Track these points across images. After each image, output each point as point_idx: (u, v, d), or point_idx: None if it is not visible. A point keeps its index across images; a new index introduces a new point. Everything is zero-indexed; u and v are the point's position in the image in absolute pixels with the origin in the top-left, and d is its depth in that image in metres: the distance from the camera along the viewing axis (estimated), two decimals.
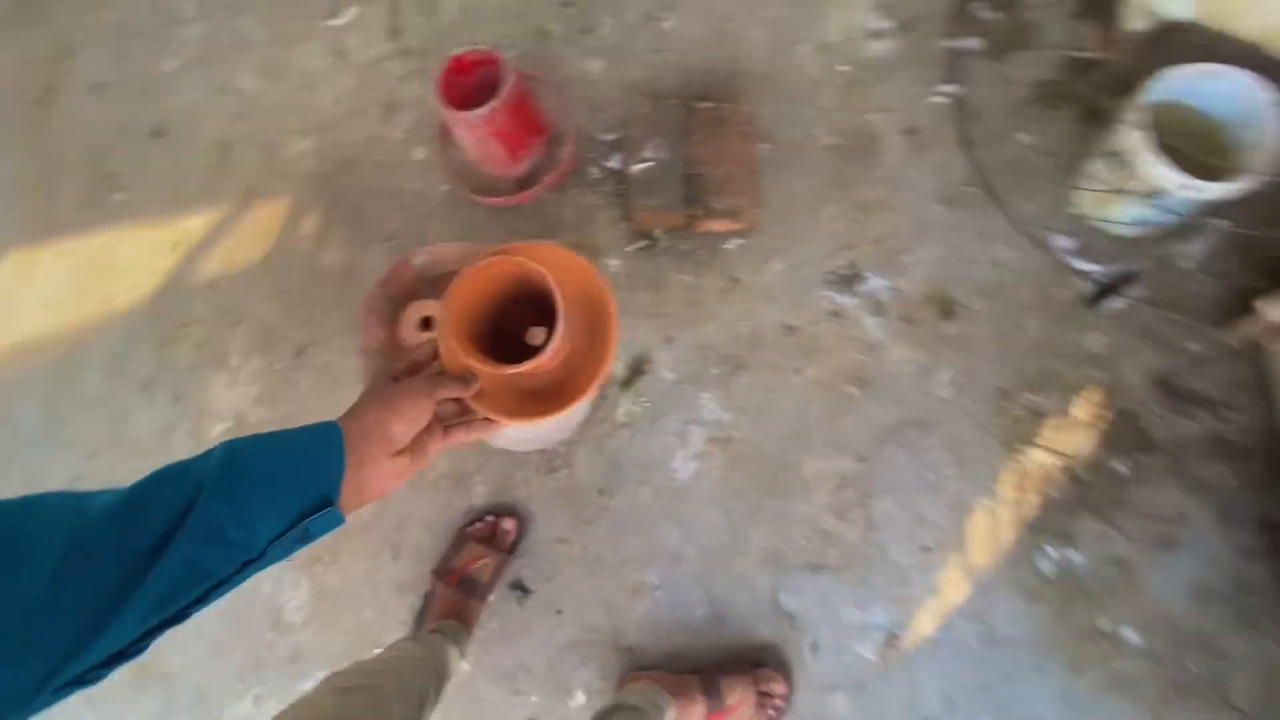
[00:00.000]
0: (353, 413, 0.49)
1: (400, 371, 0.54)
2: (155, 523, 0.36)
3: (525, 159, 1.18)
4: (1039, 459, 1.01)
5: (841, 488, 1.05)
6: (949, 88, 1.15)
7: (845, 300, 1.11)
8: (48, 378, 1.40)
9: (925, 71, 1.17)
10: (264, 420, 1.26)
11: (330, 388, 1.24)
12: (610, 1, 1.32)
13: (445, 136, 1.23)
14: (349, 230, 1.31)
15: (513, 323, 0.57)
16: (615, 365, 1.15)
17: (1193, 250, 1.03)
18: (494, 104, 1.00)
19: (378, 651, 0.85)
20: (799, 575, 1.03)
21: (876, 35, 1.20)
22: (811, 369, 1.09)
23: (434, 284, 0.90)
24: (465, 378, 0.53)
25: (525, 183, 1.20)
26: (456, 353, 0.53)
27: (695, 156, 1.14)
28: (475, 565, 1.03)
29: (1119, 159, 0.95)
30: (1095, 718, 0.93)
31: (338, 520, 0.43)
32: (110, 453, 1.34)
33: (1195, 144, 0.92)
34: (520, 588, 1.11)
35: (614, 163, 1.22)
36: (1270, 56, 0.96)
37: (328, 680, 0.71)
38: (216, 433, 1.28)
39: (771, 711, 0.95)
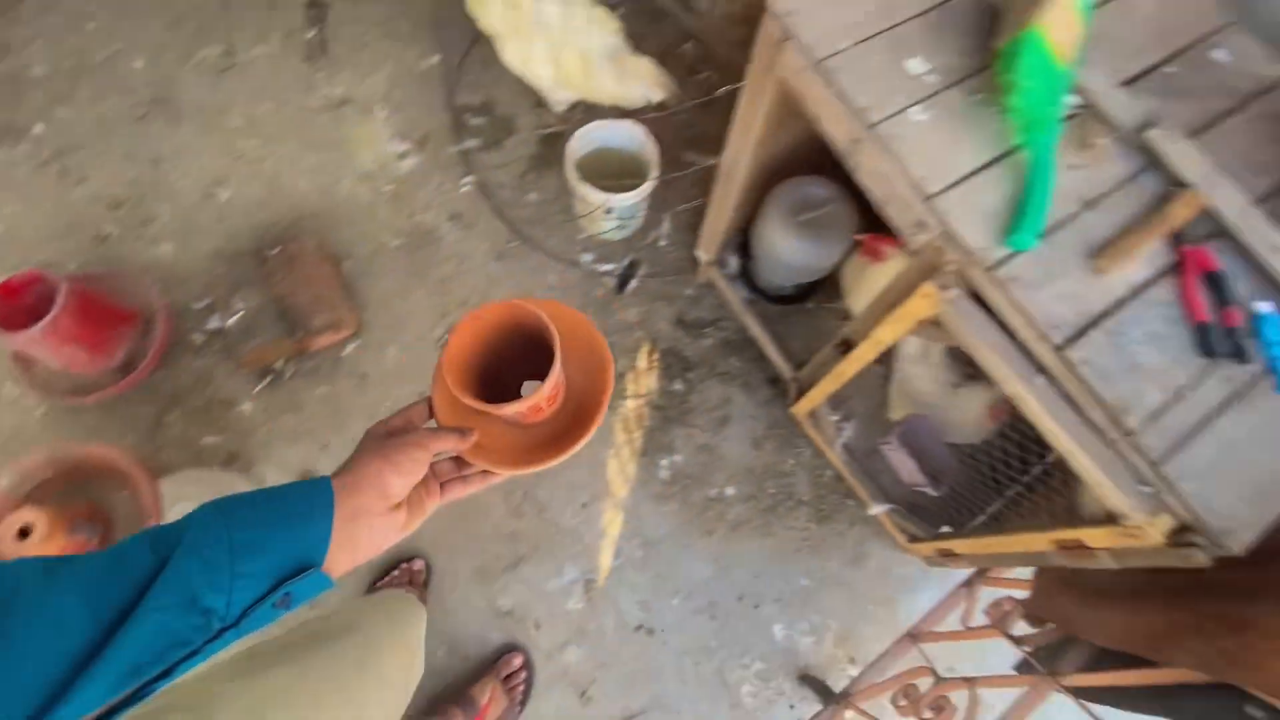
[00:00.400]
0: (347, 466, 0.45)
1: (393, 427, 0.50)
2: (126, 585, 0.34)
3: (115, 350, 1.24)
4: (631, 406, 1.36)
5: (509, 493, 1.28)
6: (470, 178, 1.51)
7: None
8: None
9: (450, 172, 1.51)
10: None
11: None
12: (162, 192, 1.45)
13: (21, 359, 1.23)
14: None
15: (505, 377, 0.53)
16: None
17: (661, 232, 1.50)
18: (49, 318, 1.07)
19: None
20: (504, 577, 1.23)
21: (402, 156, 1.52)
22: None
23: (29, 498, 0.94)
24: (462, 430, 0.50)
25: (127, 368, 1.26)
26: (451, 403, 0.51)
27: (282, 292, 1.32)
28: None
29: (575, 193, 1.36)
30: (735, 558, 1.28)
31: (324, 584, 0.40)
32: None
33: (626, 169, 1.37)
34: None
35: (213, 324, 1.34)
36: (630, 109, 1.46)
37: None
38: None
39: (519, 686, 1.13)
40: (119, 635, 0.32)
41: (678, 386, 1.38)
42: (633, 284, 1.45)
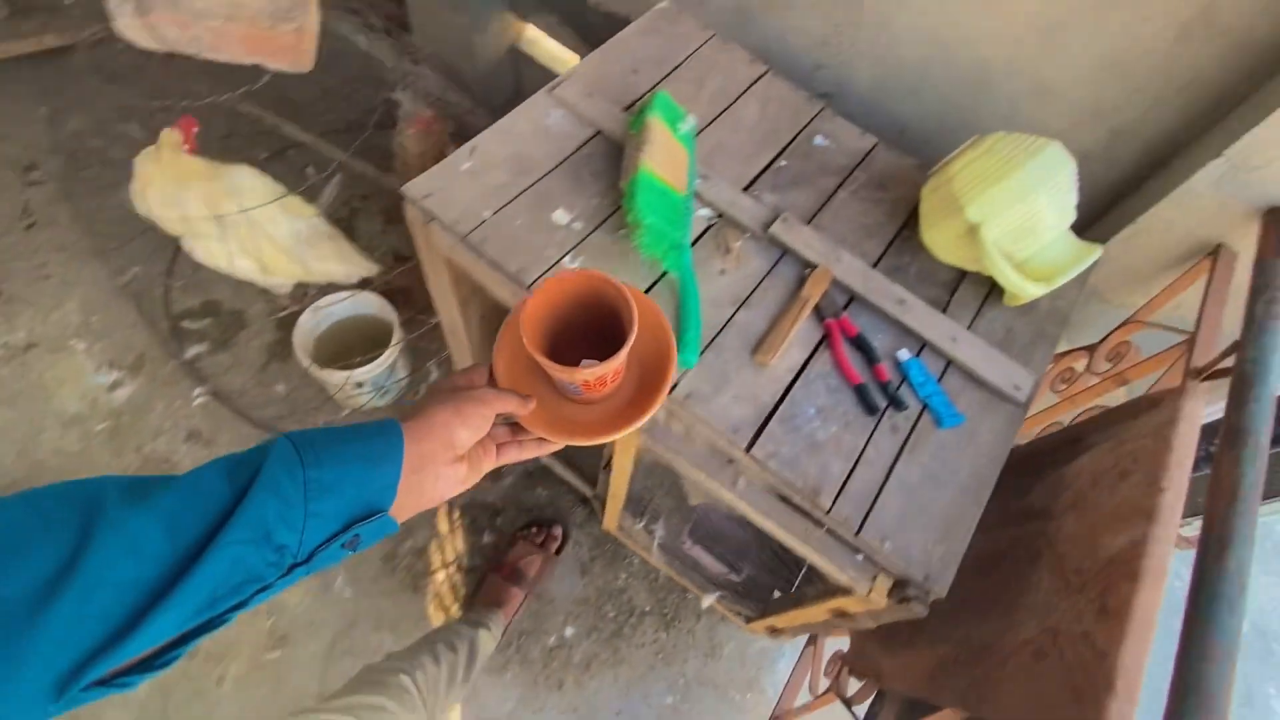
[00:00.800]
0: (417, 411, 0.45)
1: (458, 384, 0.49)
2: (204, 516, 0.33)
3: None
4: (440, 579, 1.26)
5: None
6: (201, 389, 1.36)
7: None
8: None
9: (176, 388, 1.36)
10: None
11: None
12: None
13: None
14: None
15: (563, 352, 0.50)
16: None
17: (432, 380, 1.45)
18: None
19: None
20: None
21: (114, 386, 1.34)
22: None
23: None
24: (524, 395, 0.50)
25: None
26: (511, 368, 0.51)
27: None
28: (523, 560, 1.24)
29: (319, 375, 1.28)
30: (594, 701, 1.20)
31: (391, 527, 0.41)
32: None
33: (376, 334, 1.31)
34: None
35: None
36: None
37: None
38: None
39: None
40: (196, 566, 0.32)
41: (487, 539, 1.31)
42: None
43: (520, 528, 1.32)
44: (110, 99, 1.60)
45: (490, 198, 0.79)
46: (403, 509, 0.42)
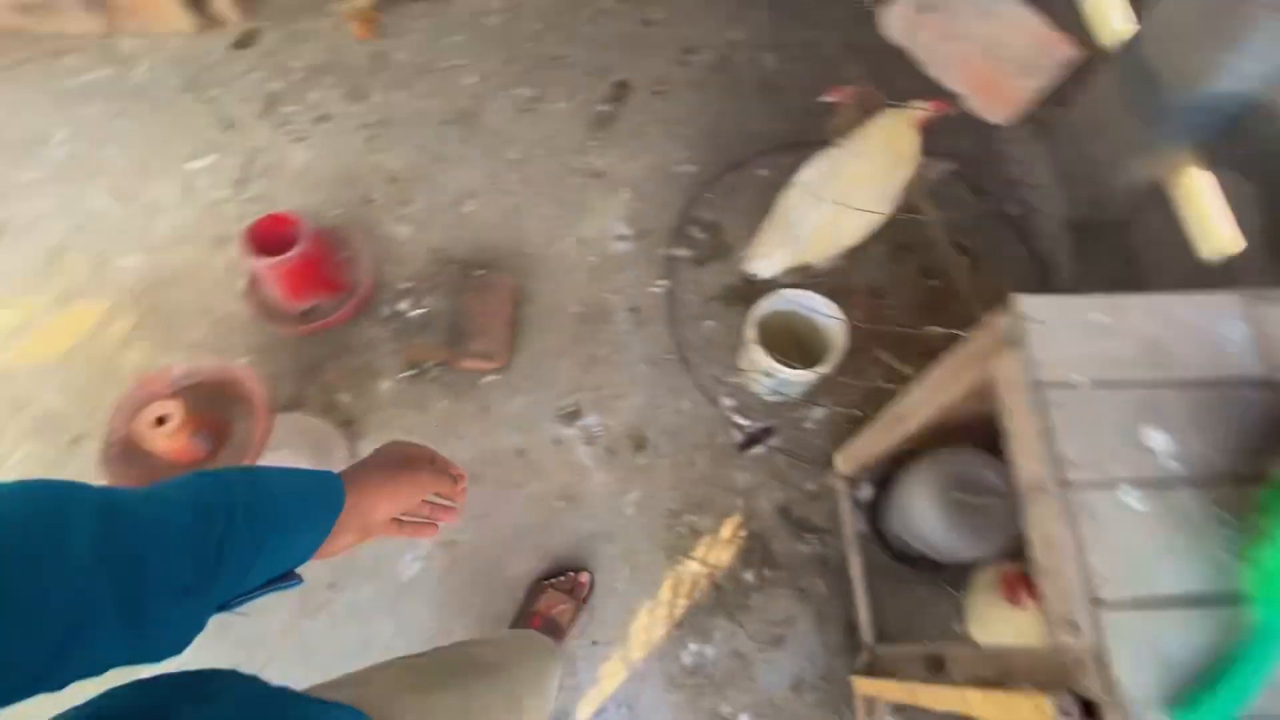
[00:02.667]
0: (359, 475, 0.49)
1: (410, 451, 0.55)
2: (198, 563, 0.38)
3: (311, 299, 1.44)
4: (692, 569, 1.27)
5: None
6: (664, 282, 1.56)
7: (566, 432, 1.39)
8: None
9: (650, 268, 1.58)
10: None
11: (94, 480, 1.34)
12: (428, 185, 1.68)
13: (254, 279, 1.47)
14: (156, 337, 1.48)
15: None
16: None
17: (811, 416, 1.41)
18: (287, 256, 1.27)
19: None
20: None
21: (620, 238, 1.62)
22: (533, 485, 1.34)
23: (178, 393, 1.09)
24: (455, 476, 0.57)
25: (310, 316, 1.45)
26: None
27: (464, 309, 1.45)
28: (556, 609, 1.16)
29: (746, 348, 1.33)
30: None
31: (295, 586, 0.45)
32: None
33: (807, 342, 1.33)
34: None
35: (401, 306, 1.50)
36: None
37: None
38: None
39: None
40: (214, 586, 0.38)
41: (748, 576, 1.27)
42: (758, 449, 1.38)
43: (542, 576, 1.25)
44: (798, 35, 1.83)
45: (1095, 365, 0.66)
46: (306, 560, 0.45)
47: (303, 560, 0.44)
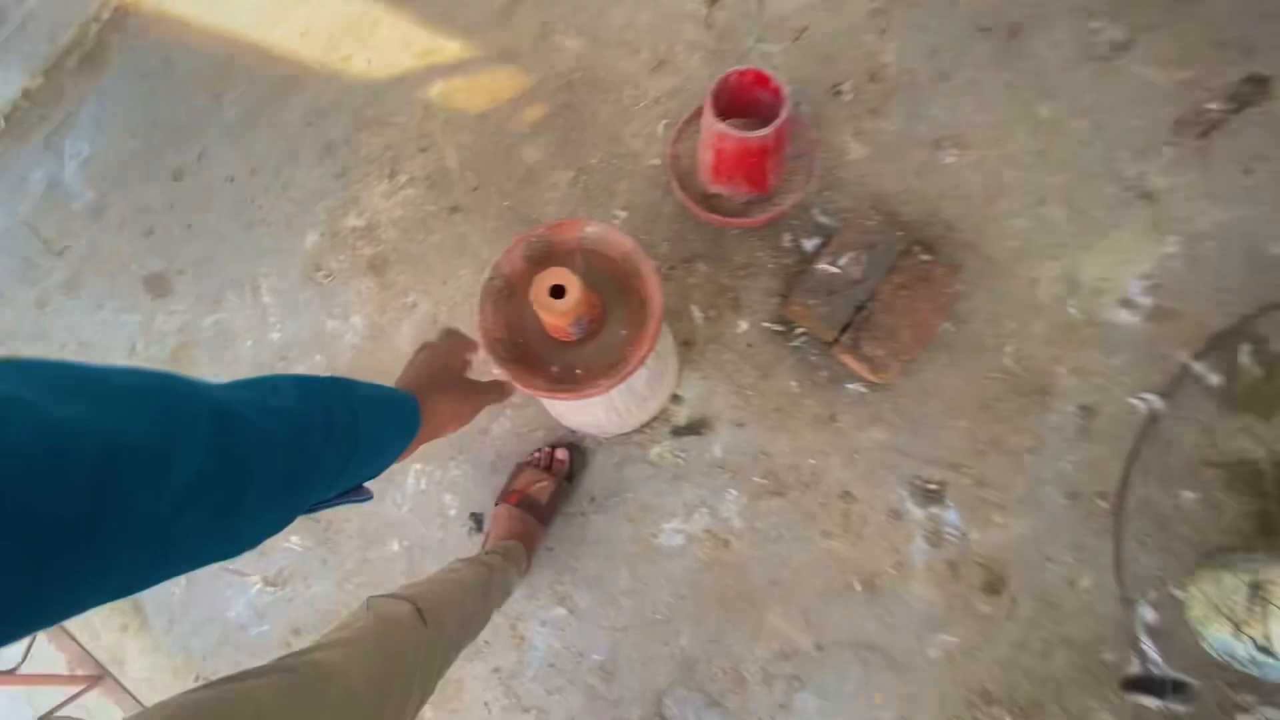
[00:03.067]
0: (432, 408, 0.54)
1: (460, 356, 0.63)
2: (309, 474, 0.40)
3: (730, 186, 1.17)
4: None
5: (785, 657, 1.03)
6: (1156, 399, 1.06)
7: (912, 509, 1.06)
8: (265, 87, 1.54)
9: (1147, 368, 1.07)
10: (390, 239, 1.34)
11: (453, 255, 1.31)
12: (912, 102, 1.26)
13: (687, 124, 1.23)
14: (558, 141, 1.35)
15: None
16: (678, 409, 1.16)
17: (1268, 714, 0.93)
18: (763, 133, 1.00)
19: (432, 571, 0.91)
20: (693, 694, 1.03)
21: (1126, 304, 1.11)
22: (838, 542, 1.07)
23: (589, 256, 0.93)
24: (506, 389, 0.65)
25: (716, 205, 1.19)
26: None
27: (881, 294, 1.10)
28: (534, 487, 1.10)
29: (1259, 593, 0.85)
30: None
31: (367, 500, 0.49)
32: (269, 178, 1.46)
33: None
34: (477, 520, 1.16)
35: (809, 245, 1.19)
36: None
37: (372, 599, 0.74)
38: (349, 223, 1.37)
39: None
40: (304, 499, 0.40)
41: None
42: (1149, 702, 0.95)
43: (522, 458, 1.17)
44: None
45: None
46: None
47: (375, 476, 0.46)
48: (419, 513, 1.18)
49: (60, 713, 1.00)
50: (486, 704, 1.08)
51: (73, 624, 1.25)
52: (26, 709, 1.19)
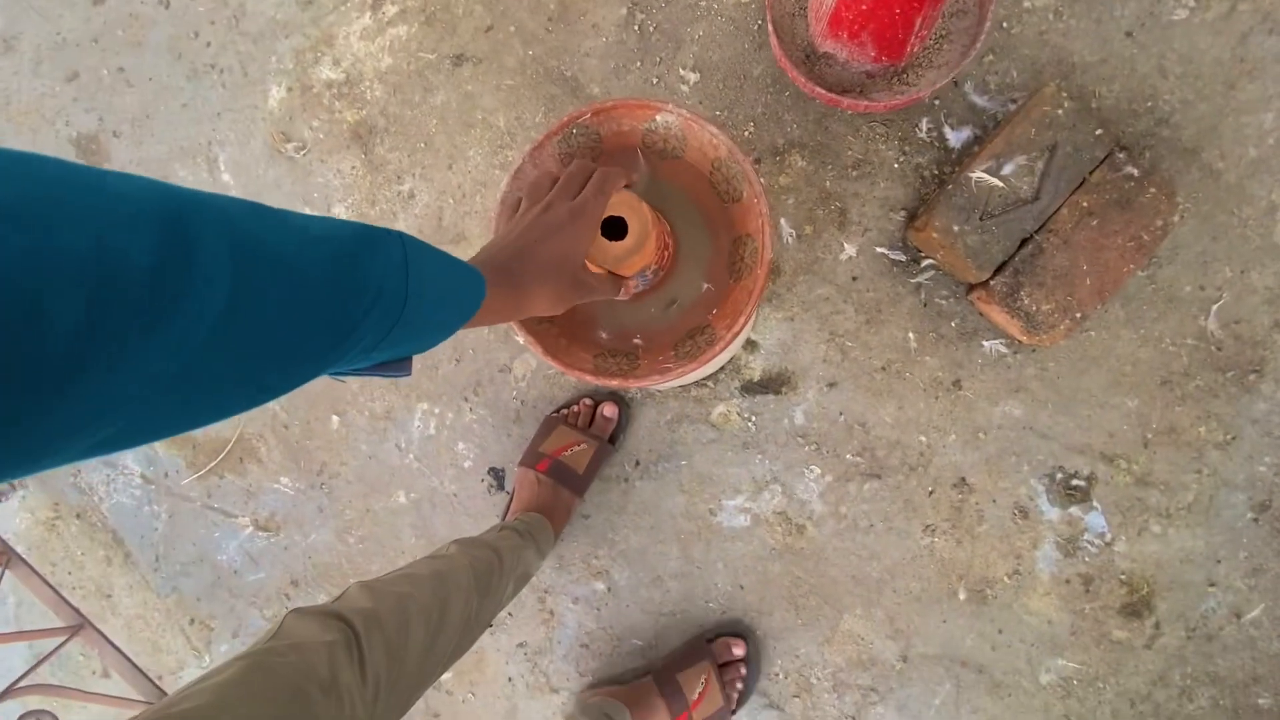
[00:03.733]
0: (529, 283, 0.45)
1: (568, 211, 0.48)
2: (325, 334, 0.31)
3: (857, 51, 0.80)
4: None
5: (862, 665, 0.87)
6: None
7: (1046, 507, 0.84)
8: None
9: None
10: (377, 99, 1.01)
11: (458, 125, 0.98)
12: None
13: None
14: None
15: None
16: (751, 358, 0.90)
17: None
18: None
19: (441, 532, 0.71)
20: (752, 698, 0.89)
21: None
22: (943, 540, 0.86)
23: (651, 161, 0.61)
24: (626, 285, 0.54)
25: (825, 73, 0.83)
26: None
27: (1061, 222, 0.78)
28: (569, 451, 0.87)
29: None
30: None
31: (404, 376, 0.41)
32: (216, 5, 1.09)
33: None
34: (497, 476, 0.97)
35: (956, 138, 0.85)
36: None
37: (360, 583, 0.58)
38: (322, 74, 1.03)
39: (737, 684, 0.86)
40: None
41: None
42: None
43: (557, 409, 0.93)
44: None
45: None
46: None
47: (418, 352, 0.40)
48: (428, 462, 0.99)
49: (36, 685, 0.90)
50: (510, 680, 0.96)
51: (53, 557, 1.13)
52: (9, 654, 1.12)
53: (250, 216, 0.27)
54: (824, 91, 0.82)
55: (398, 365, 0.39)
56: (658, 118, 0.59)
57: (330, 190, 1.04)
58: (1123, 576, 0.82)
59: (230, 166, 1.08)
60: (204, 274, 0.24)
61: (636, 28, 0.94)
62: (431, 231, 0.99)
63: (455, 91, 0.98)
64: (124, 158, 1.13)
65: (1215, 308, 0.81)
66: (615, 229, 0.51)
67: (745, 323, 0.56)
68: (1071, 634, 0.83)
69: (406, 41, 1.00)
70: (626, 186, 0.52)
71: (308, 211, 0.99)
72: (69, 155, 1.18)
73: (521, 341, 0.57)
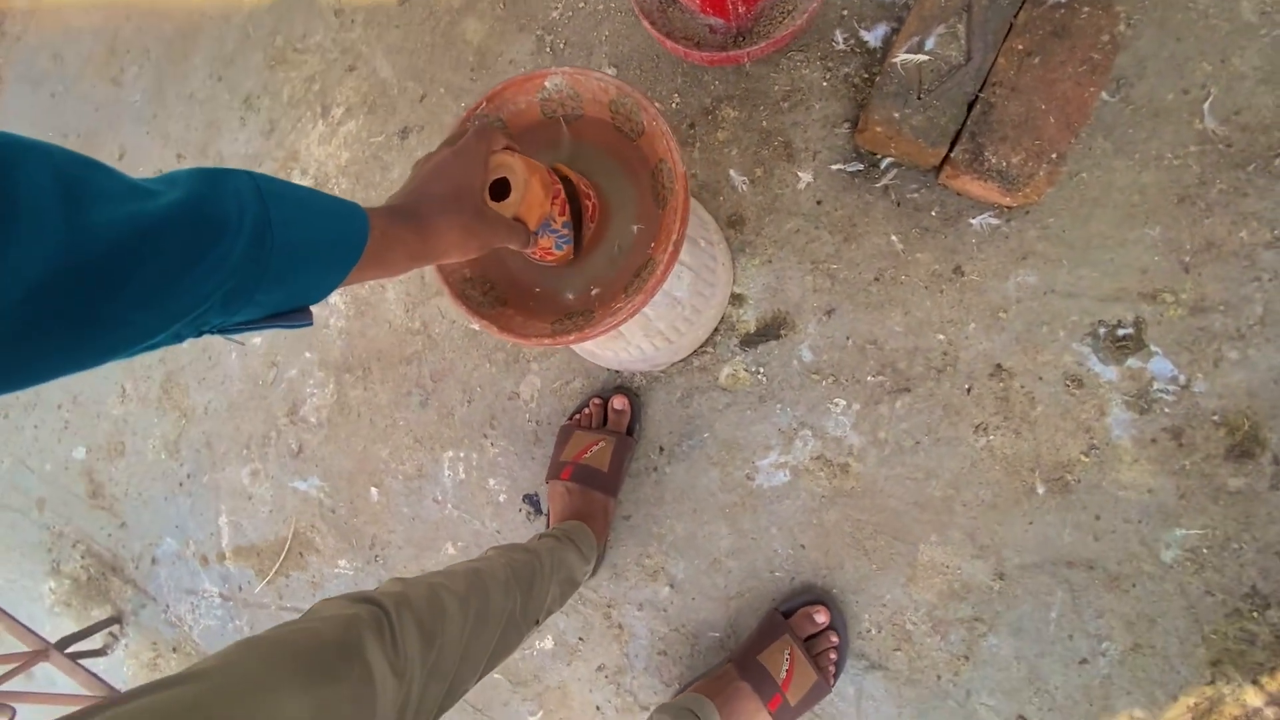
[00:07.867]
0: (434, 219, 0.46)
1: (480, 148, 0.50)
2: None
3: (736, 14, 0.81)
4: (1247, 699, 0.70)
5: (957, 596, 0.78)
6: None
7: (1100, 369, 0.76)
8: (162, 51, 1.27)
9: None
10: (344, 190, 1.09)
11: None
12: None
13: None
14: (502, 10, 1.02)
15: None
16: (741, 312, 0.87)
17: None
18: None
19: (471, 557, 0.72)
20: (849, 663, 0.81)
21: None
22: (999, 436, 0.78)
23: (571, 128, 0.63)
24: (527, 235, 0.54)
25: (714, 34, 0.85)
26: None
27: (1001, 73, 0.75)
28: (588, 453, 0.86)
29: None
30: None
31: (304, 325, 0.40)
32: (197, 157, 1.23)
33: None
34: (533, 502, 0.96)
35: (874, 37, 0.84)
36: None
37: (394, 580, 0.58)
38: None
39: (830, 654, 0.78)
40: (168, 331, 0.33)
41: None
42: None
43: (568, 418, 0.92)
44: None
45: None
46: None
47: (312, 301, 0.39)
48: (466, 507, 0.99)
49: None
50: (599, 708, 0.91)
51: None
52: None
53: (78, 164, 0.29)
54: (711, 54, 0.83)
55: (295, 315, 0.39)
56: (546, 83, 0.61)
57: None
58: (1215, 418, 0.72)
59: None
60: (30, 206, 0.25)
61: (549, 49, 0.99)
62: (417, 290, 1.04)
63: (407, 160, 1.06)
64: None
65: (1207, 106, 0.74)
66: (501, 190, 0.53)
67: (677, 241, 0.56)
68: (1180, 498, 0.73)
69: (357, 133, 1.09)
70: (507, 148, 0.53)
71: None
72: None
73: (477, 328, 0.58)
